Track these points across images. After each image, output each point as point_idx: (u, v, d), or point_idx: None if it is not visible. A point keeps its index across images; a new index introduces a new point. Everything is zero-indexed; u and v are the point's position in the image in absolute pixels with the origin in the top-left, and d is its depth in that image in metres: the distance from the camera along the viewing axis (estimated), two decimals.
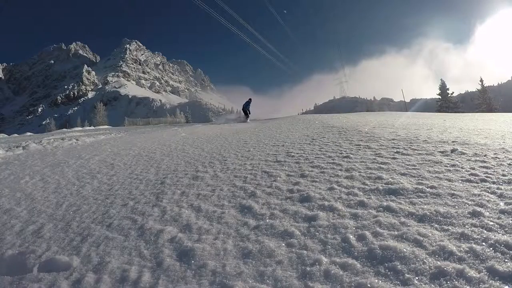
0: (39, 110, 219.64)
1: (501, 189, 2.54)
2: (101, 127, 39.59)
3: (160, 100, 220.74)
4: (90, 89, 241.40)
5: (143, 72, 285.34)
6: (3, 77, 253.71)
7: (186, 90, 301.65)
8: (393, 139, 5.19)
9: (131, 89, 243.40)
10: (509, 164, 3.27)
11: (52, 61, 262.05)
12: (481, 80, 45.70)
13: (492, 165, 3.28)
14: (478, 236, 1.81)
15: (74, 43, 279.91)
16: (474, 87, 46.00)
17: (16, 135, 28.43)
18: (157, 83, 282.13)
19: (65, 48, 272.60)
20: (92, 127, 37.80)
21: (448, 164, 3.43)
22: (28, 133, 29.57)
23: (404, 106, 54.96)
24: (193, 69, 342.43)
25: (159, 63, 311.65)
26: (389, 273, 1.58)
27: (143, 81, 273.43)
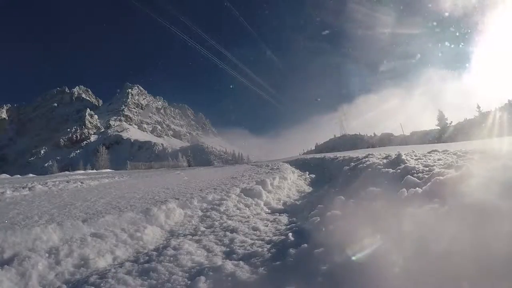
0: (42, 152, 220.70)
1: None
2: (103, 170, 39.81)
3: (162, 144, 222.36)
4: (92, 133, 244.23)
5: (145, 116, 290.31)
6: (7, 118, 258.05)
7: (187, 134, 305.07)
8: None
9: (133, 133, 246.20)
10: None
11: (56, 104, 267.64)
12: (478, 107, 45.24)
13: None
14: None
15: (77, 86, 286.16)
16: (472, 114, 45.68)
17: (18, 176, 28.60)
18: (159, 127, 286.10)
19: (68, 91, 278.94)
20: (94, 171, 38.00)
21: None
22: (31, 175, 29.77)
23: (404, 140, 54.95)
24: (195, 113, 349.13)
25: (160, 107, 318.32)
26: None
27: (145, 125, 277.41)
